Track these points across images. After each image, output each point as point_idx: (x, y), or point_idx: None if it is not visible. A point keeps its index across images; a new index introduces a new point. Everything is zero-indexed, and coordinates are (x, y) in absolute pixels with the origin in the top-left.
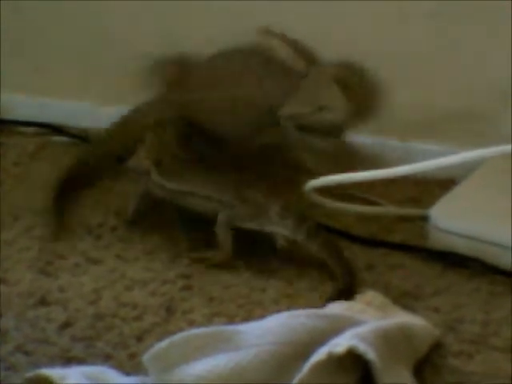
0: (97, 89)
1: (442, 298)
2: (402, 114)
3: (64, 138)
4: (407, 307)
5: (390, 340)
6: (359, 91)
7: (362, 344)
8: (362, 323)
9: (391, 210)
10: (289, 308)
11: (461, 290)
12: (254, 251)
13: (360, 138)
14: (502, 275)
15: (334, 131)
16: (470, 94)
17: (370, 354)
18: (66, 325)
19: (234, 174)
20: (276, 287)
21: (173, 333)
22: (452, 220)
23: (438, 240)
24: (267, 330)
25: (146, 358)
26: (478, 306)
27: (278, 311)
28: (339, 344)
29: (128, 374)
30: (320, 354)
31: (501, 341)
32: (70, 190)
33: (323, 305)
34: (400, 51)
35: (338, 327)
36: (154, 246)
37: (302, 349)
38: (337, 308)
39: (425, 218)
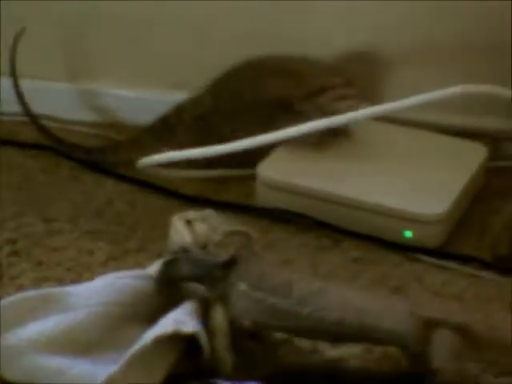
0: None
1: (270, 253)
2: None
3: None
4: None
5: None
6: None
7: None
8: None
9: (220, 171)
10: (117, 270)
11: (288, 245)
12: (80, 212)
13: None
14: (327, 229)
15: None
16: None
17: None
18: None
19: None
20: (104, 249)
21: (1, 298)
22: (278, 177)
23: (266, 197)
24: (95, 292)
25: None
26: (306, 261)
27: (106, 273)
28: (185, 323)
29: None
30: (165, 327)
31: None
32: None
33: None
34: None
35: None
36: None
37: (131, 310)
38: None
39: (253, 177)
